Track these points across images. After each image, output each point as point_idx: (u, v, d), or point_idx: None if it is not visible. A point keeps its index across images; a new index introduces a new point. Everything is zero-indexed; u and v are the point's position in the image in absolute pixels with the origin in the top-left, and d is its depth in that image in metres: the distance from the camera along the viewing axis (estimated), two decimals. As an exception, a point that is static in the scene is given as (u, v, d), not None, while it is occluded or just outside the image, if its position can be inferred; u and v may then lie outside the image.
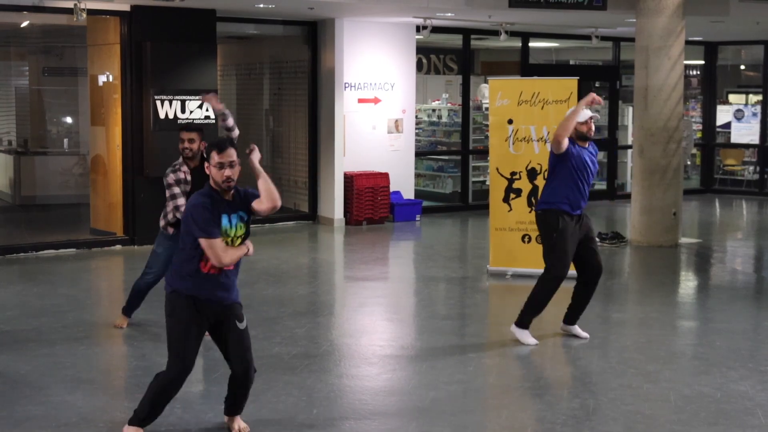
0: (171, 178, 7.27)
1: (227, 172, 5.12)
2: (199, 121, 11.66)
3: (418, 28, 13.98)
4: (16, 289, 9.60)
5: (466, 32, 15.25)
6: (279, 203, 5.23)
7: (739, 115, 18.27)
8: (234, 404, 5.52)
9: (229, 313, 5.32)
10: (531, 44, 16.32)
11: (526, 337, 7.50)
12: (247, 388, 5.44)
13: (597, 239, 7.61)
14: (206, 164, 5.21)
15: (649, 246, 11.92)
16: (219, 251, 5.11)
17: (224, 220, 5.18)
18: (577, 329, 7.66)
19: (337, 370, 6.79)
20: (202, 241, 5.11)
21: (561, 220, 7.32)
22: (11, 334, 7.70)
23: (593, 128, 7.41)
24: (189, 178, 7.25)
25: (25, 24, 13.65)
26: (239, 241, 5.25)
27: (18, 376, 6.53)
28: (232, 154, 5.14)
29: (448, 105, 16.80)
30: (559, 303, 7.65)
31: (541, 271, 7.36)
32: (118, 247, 11.90)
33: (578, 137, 7.36)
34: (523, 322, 7.53)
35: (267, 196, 5.19)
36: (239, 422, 5.56)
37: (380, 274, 10.77)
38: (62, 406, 5.92)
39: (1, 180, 16.14)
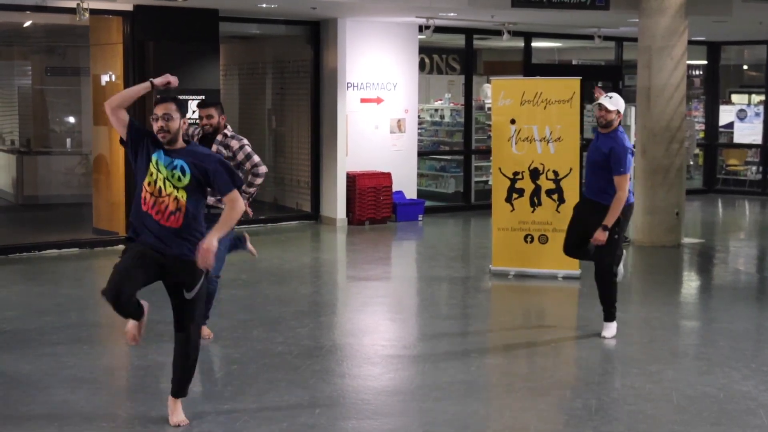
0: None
1: (159, 123, 5.44)
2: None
3: (420, 28, 13.97)
4: (19, 289, 9.61)
5: (469, 32, 15.24)
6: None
7: (741, 115, 18.24)
8: (173, 380, 5.51)
9: (180, 273, 5.43)
10: (534, 44, 16.31)
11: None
12: (186, 361, 5.43)
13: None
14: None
15: (652, 246, 11.90)
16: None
17: (157, 156, 5.42)
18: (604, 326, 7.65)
19: (339, 370, 6.78)
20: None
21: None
22: (13, 333, 7.70)
23: (603, 115, 7.25)
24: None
25: (27, 24, 13.65)
26: (165, 185, 5.41)
27: (20, 376, 6.53)
28: (169, 107, 5.49)
29: (451, 105, 16.78)
30: (560, 303, 7.65)
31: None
32: (121, 246, 11.84)
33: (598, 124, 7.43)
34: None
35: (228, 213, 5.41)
36: (179, 413, 5.47)
37: (383, 274, 10.76)
38: (64, 405, 5.92)
39: (4, 179, 16.15)
